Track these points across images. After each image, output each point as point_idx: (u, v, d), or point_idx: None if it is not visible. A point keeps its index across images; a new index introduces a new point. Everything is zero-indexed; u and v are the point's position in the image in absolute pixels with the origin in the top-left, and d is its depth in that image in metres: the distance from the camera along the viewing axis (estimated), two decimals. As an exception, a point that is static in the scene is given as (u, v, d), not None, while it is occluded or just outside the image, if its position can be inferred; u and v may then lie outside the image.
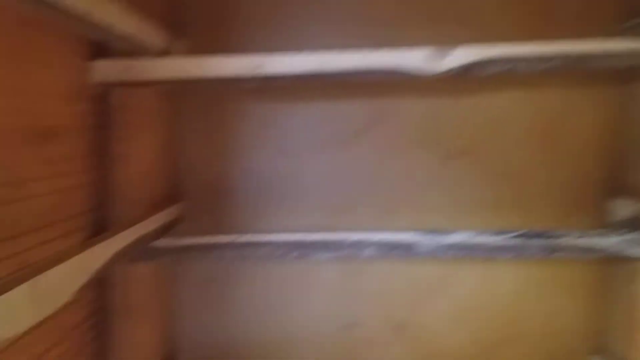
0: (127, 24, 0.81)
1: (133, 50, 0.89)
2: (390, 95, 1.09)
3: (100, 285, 0.93)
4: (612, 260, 1.06)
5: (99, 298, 0.95)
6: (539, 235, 1.01)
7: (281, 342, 1.17)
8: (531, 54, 0.88)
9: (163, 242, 1.02)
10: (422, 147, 1.10)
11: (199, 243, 1.03)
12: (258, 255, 1.03)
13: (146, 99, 1.00)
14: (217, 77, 0.93)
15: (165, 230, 1.03)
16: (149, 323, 1.07)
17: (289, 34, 1.07)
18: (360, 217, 1.12)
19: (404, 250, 1.02)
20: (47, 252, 0.72)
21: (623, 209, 1.03)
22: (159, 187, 1.06)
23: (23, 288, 0.58)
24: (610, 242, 0.99)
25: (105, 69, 0.90)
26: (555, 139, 1.09)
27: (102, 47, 0.89)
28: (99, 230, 0.90)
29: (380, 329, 1.16)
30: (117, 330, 0.98)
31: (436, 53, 0.90)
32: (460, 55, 0.89)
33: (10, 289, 0.56)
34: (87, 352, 0.89)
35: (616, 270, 1.07)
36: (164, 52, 0.95)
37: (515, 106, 1.08)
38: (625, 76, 1.04)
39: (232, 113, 1.11)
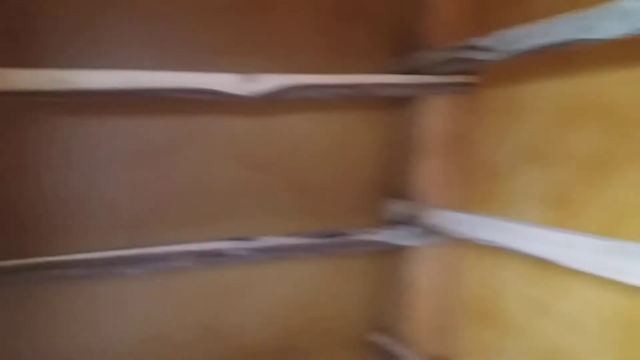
0: None
1: None
2: (203, 113, 1.13)
3: None
4: (390, 251, 1.26)
5: None
6: (332, 234, 1.15)
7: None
8: (323, 84, 1.03)
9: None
10: (233, 161, 1.17)
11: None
12: (63, 276, 0.98)
13: None
14: (13, 91, 0.86)
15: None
16: None
17: (103, 52, 1.04)
18: (173, 229, 1.13)
19: (217, 258, 1.07)
20: None
21: (397, 208, 1.24)
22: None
23: None
24: (388, 236, 1.18)
25: None
26: (344, 152, 1.25)
27: None
28: None
29: (192, 334, 1.19)
30: None
31: (245, 78, 0.98)
32: (267, 82, 0.99)
33: None
34: None
35: (392, 259, 1.28)
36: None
37: (312, 125, 1.22)
38: (397, 101, 1.25)
39: (31, 128, 1.02)
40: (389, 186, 1.28)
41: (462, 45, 1.02)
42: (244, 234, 1.11)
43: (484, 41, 0.95)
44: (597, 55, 0.84)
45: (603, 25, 0.70)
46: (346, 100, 1.22)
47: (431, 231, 1.16)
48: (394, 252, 1.25)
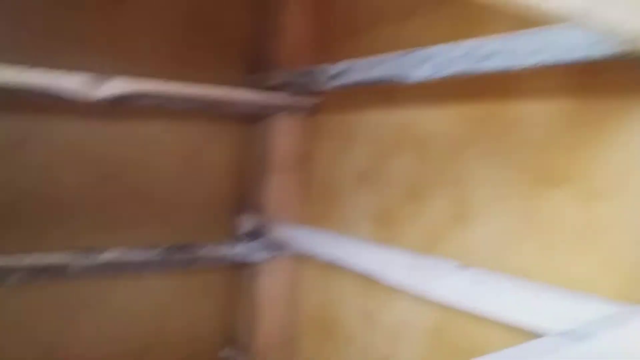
0: None
1: None
2: (46, 113, 1.07)
3: None
4: (240, 265, 1.28)
5: None
6: (181, 248, 1.15)
7: None
8: (174, 93, 1.03)
9: None
10: (78, 167, 1.12)
11: None
12: None
13: None
14: None
15: None
16: None
17: None
18: (10, 239, 1.05)
19: (56, 273, 1.01)
20: None
21: (247, 223, 1.26)
22: None
23: None
24: (238, 250, 1.21)
25: None
26: (196, 164, 1.25)
27: None
28: None
29: (31, 353, 1.11)
30: None
31: (92, 80, 0.95)
32: (115, 86, 0.97)
33: None
34: None
35: (242, 273, 1.30)
36: None
37: (164, 135, 1.20)
38: (250, 117, 1.29)
39: None
40: (241, 201, 1.31)
41: (305, 70, 1.10)
42: (85, 246, 1.06)
43: (324, 69, 1.03)
44: (414, 93, 0.95)
45: (414, 67, 0.79)
46: (200, 112, 1.23)
47: (278, 246, 1.20)
48: (244, 266, 1.27)
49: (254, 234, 1.24)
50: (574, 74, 0.69)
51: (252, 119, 1.28)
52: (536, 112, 0.73)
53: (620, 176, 0.65)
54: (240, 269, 1.29)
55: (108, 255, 1.06)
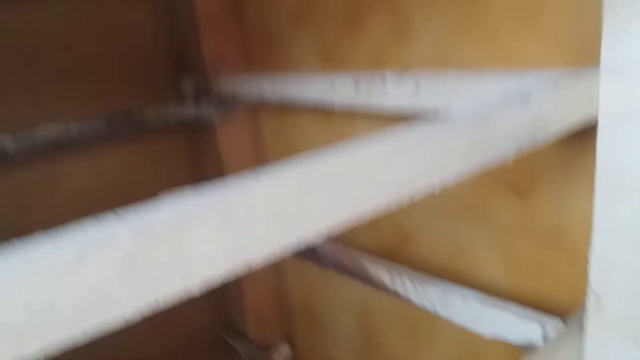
0: None
1: None
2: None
3: None
4: (194, 127, 1.22)
5: None
6: (126, 114, 1.08)
7: None
8: None
9: None
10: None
11: None
12: None
13: None
14: None
15: None
16: None
17: None
18: None
19: None
20: None
21: (190, 81, 1.18)
22: None
23: None
24: (187, 110, 1.15)
25: None
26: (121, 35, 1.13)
27: None
28: None
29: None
30: None
31: None
32: None
33: None
34: None
35: (199, 135, 1.24)
36: None
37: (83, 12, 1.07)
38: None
39: None
40: (179, 61, 1.20)
41: None
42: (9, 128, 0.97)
43: None
44: None
45: None
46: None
47: (227, 99, 1.14)
48: (198, 127, 1.22)
49: (200, 92, 1.16)
50: None
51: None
52: None
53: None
54: (195, 131, 1.24)
55: (48, 132, 0.99)
